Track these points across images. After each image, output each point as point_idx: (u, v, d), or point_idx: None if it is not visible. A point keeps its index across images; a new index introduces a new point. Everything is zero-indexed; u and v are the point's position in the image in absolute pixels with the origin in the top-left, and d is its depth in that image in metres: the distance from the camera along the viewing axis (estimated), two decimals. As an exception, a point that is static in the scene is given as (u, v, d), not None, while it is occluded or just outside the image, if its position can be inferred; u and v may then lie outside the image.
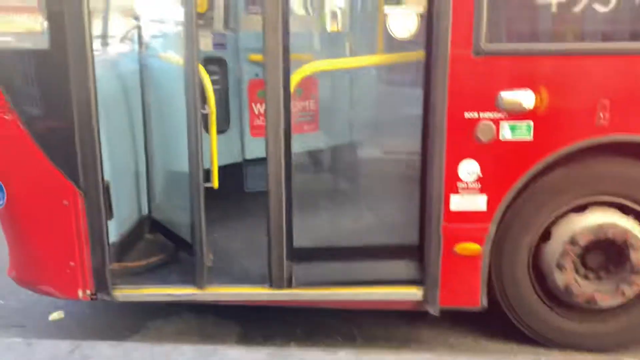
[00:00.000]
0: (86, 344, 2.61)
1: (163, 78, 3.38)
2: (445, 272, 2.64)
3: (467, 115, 2.47)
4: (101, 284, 2.69)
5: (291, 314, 3.14)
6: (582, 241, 2.59)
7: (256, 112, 3.82)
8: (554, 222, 2.66)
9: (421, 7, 2.48)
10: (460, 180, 2.55)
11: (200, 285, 2.73)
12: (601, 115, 2.45)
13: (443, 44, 2.42)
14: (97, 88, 2.53)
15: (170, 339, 2.93)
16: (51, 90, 2.51)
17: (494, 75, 2.44)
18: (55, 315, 3.20)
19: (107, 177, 2.67)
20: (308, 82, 3.57)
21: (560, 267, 2.64)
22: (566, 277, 2.65)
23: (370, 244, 2.79)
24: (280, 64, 2.49)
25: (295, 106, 3.45)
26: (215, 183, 2.84)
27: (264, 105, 2.58)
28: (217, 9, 3.82)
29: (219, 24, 3.85)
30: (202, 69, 2.69)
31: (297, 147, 3.42)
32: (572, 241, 2.61)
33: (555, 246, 2.65)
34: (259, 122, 3.76)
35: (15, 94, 2.49)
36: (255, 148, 3.77)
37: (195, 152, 2.61)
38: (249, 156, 3.93)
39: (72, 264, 2.64)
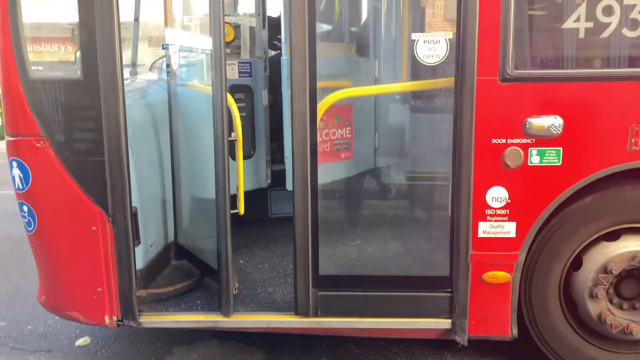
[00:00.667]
0: (112, 372, 2.61)
1: (190, 106, 3.44)
2: (474, 300, 2.59)
3: (494, 141, 2.45)
4: (128, 310, 2.69)
5: (316, 342, 3.11)
6: (615, 269, 2.53)
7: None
8: (585, 250, 2.61)
9: (449, 34, 2.49)
10: (488, 207, 2.51)
11: (225, 313, 2.72)
12: (633, 140, 2.41)
13: (469, 71, 2.41)
14: (126, 117, 2.58)
15: (195, 366, 2.92)
16: (82, 119, 2.57)
17: (521, 102, 2.42)
18: (82, 341, 3.21)
19: (135, 203, 2.70)
20: (344, 109, 3.56)
21: (592, 296, 2.58)
22: (599, 307, 2.58)
23: (398, 274, 2.75)
24: (307, 91, 2.51)
25: (334, 134, 3.47)
26: (241, 209, 2.86)
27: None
28: (243, 38, 3.88)
29: (245, 52, 3.91)
30: (229, 97, 2.72)
31: (333, 175, 3.43)
32: (605, 269, 2.55)
33: (587, 274, 2.58)
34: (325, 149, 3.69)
35: (47, 122, 2.55)
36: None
37: (222, 178, 2.63)
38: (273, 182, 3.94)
39: (99, 290, 2.66)
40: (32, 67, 2.54)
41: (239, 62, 3.78)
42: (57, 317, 3.21)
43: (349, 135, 3.39)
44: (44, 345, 3.20)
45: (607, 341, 2.66)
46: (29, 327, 3.41)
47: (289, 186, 3.20)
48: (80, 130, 2.57)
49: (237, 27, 3.84)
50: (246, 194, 2.96)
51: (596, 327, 2.62)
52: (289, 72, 2.53)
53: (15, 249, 4.47)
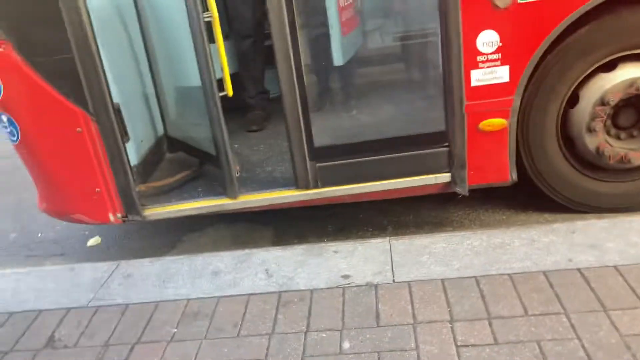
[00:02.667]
0: (126, 263, 2.68)
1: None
2: (472, 151, 2.58)
3: (481, -19, 2.30)
4: (130, 206, 2.70)
5: (321, 212, 3.17)
6: (613, 100, 2.50)
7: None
8: (581, 85, 2.55)
9: None
10: (479, 53, 2.41)
11: (231, 195, 2.73)
12: (630, -41, 2.25)
13: None
14: (89, 10, 2.39)
15: (207, 249, 2.99)
16: (41, 16, 2.38)
17: None
18: (93, 241, 3.28)
19: (116, 99, 2.60)
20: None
21: (590, 130, 2.57)
22: (597, 140, 2.58)
23: (393, 136, 2.71)
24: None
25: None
26: (229, 91, 2.75)
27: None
28: None
29: None
30: None
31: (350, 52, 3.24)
32: (602, 101, 2.52)
33: (584, 109, 2.56)
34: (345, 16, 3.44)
35: (4, 23, 2.38)
36: None
37: (204, 61, 2.51)
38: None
39: (98, 189, 2.65)
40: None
41: None
42: (64, 222, 3.25)
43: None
44: (57, 249, 3.28)
45: (605, 173, 2.69)
46: (39, 234, 3.47)
47: (337, 61, 3.05)
48: (41, 28, 2.40)
49: None
50: (235, 75, 2.84)
51: (594, 160, 2.64)
52: None
53: (13, 162, 4.43)
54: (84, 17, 2.38)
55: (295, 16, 2.41)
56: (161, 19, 3.19)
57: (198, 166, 3.10)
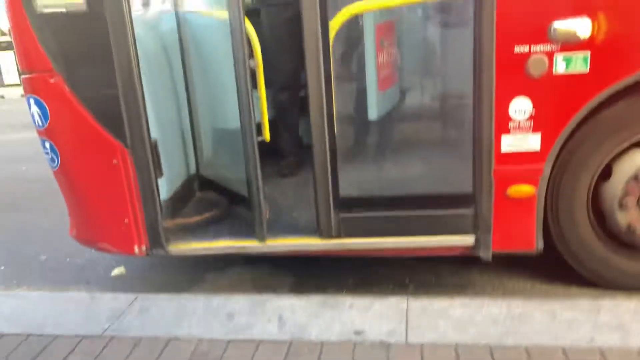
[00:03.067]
0: (144, 297, 2.72)
1: (203, 33, 3.36)
2: (498, 216, 2.55)
3: (517, 49, 2.33)
4: (156, 240, 2.76)
5: (344, 264, 3.16)
6: (647, 177, 2.44)
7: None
8: (615, 159, 2.51)
9: None
10: (511, 119, 2.42)
11: (260, 238, 2.75)
12: (668, 40, 2.25)
13: (489, -26, 2.26)
14: (137, 48, 2.53)
15: (226, 290, 3.01)
16: (92, 52, 2.53)
17: (545, 4, 2.27)
18: (117, 271, 3.34)
19: (154, 135, 2.70)
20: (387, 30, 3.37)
21: (622, 205, 2.51)
22: (628, 217, 2.52)
23: (420, 193, 2.71)
24: (317, 6, 2.40)
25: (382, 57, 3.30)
26: (267, 136, 2.81)
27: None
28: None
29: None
30: (247, 22, 2.62)
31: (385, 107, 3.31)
32: (636, 178, 2.47)
33: (617, 184, 2.51)
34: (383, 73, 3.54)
35: (58, 57, 2.53)
36: None
37: (246, 104, 2.58)
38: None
39: (126, 221, 2.72)
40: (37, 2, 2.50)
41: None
42: (93, 250, 3.33)
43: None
44: (82, 276, 3.35)
45: (637, 252, 2.61)
46: (68, 259, 3.56)
47: (371, 115, 3.10)
48: (91, 64, 2.55)
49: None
50: (274, 121, 2.90)
51: (625, 237, 2.57)
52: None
53: (52, 187, 4.61)
54: (132, 55, 2.51)
55: (331, 69, 2.48)
56: (204, 60, 3.34)
57: (226, 206, 3.16)
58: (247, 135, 2.64)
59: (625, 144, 2.48)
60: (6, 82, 13.39)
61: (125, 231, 2.74)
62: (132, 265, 3.41)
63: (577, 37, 2.27)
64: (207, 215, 3.08)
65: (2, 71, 13.56)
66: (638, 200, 2.52)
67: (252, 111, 2.60)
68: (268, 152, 3.10)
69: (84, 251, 3.52)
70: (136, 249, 2.78)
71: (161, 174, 2.82)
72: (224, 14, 2.60)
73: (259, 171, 2.67)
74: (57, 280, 3.31)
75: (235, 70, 2.57)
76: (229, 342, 2.30)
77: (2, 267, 3.53)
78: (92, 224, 2.85)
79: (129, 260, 3.46)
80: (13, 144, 7.15)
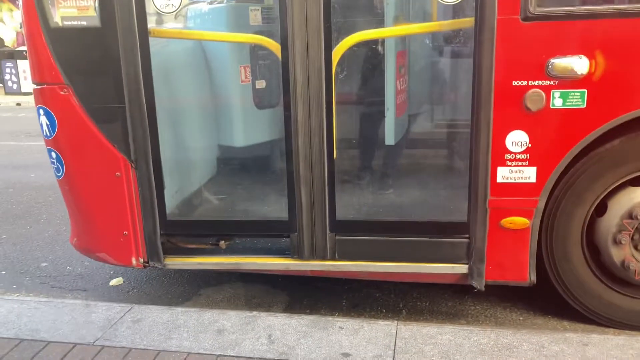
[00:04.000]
0: (138, 307, 2.75)
1: (217, 53, 3.45)
2: (492, 246, 2.57)
3: (515, 83, 2.37)
4: (153, 253, 2.80)
5: (338, 285, 3.18)
6: (641, 215, 2.46)
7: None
8: (610, 195, 2.53)
9: (468, -29, 2.38)
10: (508, 151, 2.45)
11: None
12: (663, 80, 2.28)
13: (490, 9, 2.31)
14: (149, 65, 2.59)
15: (220, 305, 3.04)
16: (102, 67, 2.61)
17: (544, 41, 2.31)
18: (115, 282, 3.39)
19: (160, 150, 2.75)
20: (404, 56, 3.44)
21: (616, 242, 2.52)
22: (623, 253, 2.53)
23: (415, 219, 2.74)
24: (321, 34, 2.46)
25: (402, 84, 3.36)
26: None
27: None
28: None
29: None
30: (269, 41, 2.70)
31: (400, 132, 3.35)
32: (631, 215, 2.49)
33: (611, 220, 2.52)
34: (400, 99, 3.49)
35: (70, 71, 2.61)
36: None
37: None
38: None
39: (125, 233, 2.77)
40: (55, 16, 2.59)
41: (262, 8, 3.73)
42: (92, 259, 3.38)
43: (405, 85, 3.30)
44: (81, 284, 3.39)
45: (631, 288, 2.61)
46: (68, 267, 3.61)
47: (388, 140, 3.14)
48: (100, 78, 2.62)
49: (260, -27, 3.78)
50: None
51: (619, 273, 2.57)
52: (305, 15, 2.48)
53: (58, 196, 4.69)
54: (140, 71, 2.58)
55: (333, 95, 2.54)
56: (216, 80, 3.42)
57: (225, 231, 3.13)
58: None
59: (620, 181, 2.49)
60: (23, 90, 13.62)
61: (124, 242, 2.79)
62: (129, 277, 3.45)
63: (575, 74, 2.31)
64: (203, 245, 3.05)
65: (20, 79, 13.81)
66: (632, 237, 2.53)
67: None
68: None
69: (84, 260, 3.58)
70: (134, 261, 2.82)
71: (163, 188, 2.87)
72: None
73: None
74: (56, 287, 3.35)
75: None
76: (217, 356, 2.32)
77: (4, 272, 3.58)
78: (92, 234, 2.90)
79: (127, 271, 3.51)
80: (26, 151, 7.28)
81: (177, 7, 2.58)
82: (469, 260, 2.61)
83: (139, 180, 2.71)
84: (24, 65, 13.60)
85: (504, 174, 2.48)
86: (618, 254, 2.54)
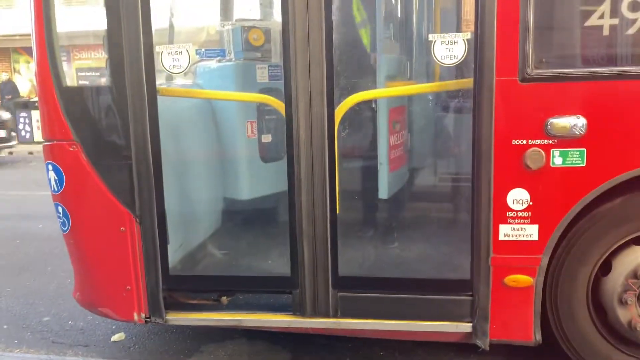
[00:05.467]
0: (137, 366, 2.72)
1: (224, 109, 3.54)
2: (496, 304, 2.54)
3: (515, 142, 2.40)
4: (155, 308, 2.79)
5: (341, 343, 3.13)
6: (646, 275, 2.43)
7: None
8: (614, 254, 2.52)
9: (467, 34, 2.45)
10: (509, 209, 2.46)
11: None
12: (661, 140, 2.31)
13: (488, 71, 2.37)
14: (157, 123, 2.66)
15: (222, 363, 3.00)
16: (111, 124, 2.68)
17: (542, 102, 2.36)
18: (117, 337, 3.36)
19: (165, 204, 2.78)
20: (400, 113, 3.53)
21: (622, 302, 2.49)
22: (629, 313, 2.49)
23: (418, 277, 2.73)
24: (324, 94, 2.53)
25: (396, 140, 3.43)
26: None
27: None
28: (274, 41, 3.94)
29: (275, 56, 3.97)
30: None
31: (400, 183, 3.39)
32: (635, 275, 2.46)
33: (616, 280, 2.50)
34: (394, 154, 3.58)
35: (79, 128, 2.68)
36: None
37: None
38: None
39: (128, 287, 2.77)
40: (65, 75, 2.69)
41: (269, 66, 3.84)
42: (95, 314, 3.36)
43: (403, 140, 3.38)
44: (82, 339, 3.36)
45: (638, 349, 2.56)
46: (70, 322, 3.59)
47: (382, 194, 3.19)
48: (109, 135, 2.69)
49: (267, 31, 3.91)
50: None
51: (626, 334, 2.53)
52: (308, 76, 2.55)
53: (64, 248, 4.71)
54: (147, 128, 2.64)
55: (335, 150, 2.58)
56: (224, 135, 3.49)
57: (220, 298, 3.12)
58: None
59: (624, 240, 2.49)
60: (36, 139, 13.88)
61: (126, 298, 2.79)
62: (132, 333, 3.42)
63: (573, 133, 2.34)
64: (204, 301, 3.04)
65: (34, 129, 14.10)
66: (638, 297, 2.49)
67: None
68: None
69: (87, 314, 3.55)
70: (135, 316, 2.81)
71: (167, 243, 2.89)
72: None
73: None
74: (57, 343, 3.33)
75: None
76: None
77: (5, 326, 3.57)
78: (95, 288, 2.91)
79: (129, 327, 3.47)
80: (35, 201, 7.33)
81: (184, 68, 2.66)
82: (473, 319, 2.58)
83: (143, 236, 2.73)
84: (37, 115, 13.91)
85: (506, 232, 2.49)
86: (624, 315, 2.50)
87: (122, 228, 2.72)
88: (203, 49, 4.06)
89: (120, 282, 2.78)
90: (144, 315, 2.82)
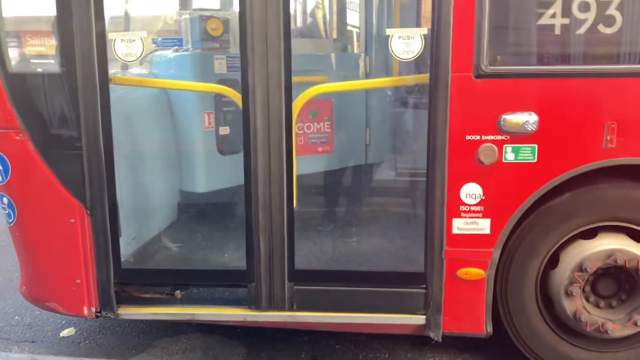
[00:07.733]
0: (86, 362, 2.65)
1: (180, 100, 3.48)
2: (448, 297, 2.58)
3: (468, 137, 2.44)
4: (106, 302, 2.72)
5: (297, 336, 3.13)
6: (591, 268, 2.51)
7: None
8: (562, 248, 2.59)
9: (424, 29, 2.48)
10: (462, 203, 2.50)
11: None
12: (609, 137, 2.39)
13: (444, 67, 2.40)
14: (109, 112, 2.58)
15: (175, 358, 2.95)
16: (61, 113, 2.59)
17: (496, 98, 2.40)
18: (66, 332, 3.26)
19: (117, 196, 2.71)
20: (323, 104, 3.58)
21: (568, 294, 2.56)
22: (574, 305, 2.56)
23: (373, 269, 2.75)
24: (282, 88, 2.51)
25: (310, 128, 3.50)
26: None
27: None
28: (232, 32, 3.89)
29: (234, 47, 3.92)
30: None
31: (310, 168, 3.45)
32: (581, 268, 2.54)
33: (563, 272, 2.57)
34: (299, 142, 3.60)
35: (26, 116, 2.58)
36: None
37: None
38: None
39: (78, 281, 2.69)
40: (12, 61, 2.58)
41: (227, 57, 3.79)
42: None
43: (328, 130, 3.40)
44: (29, 335, 3.25)
45: (584, 339, 2.64)
46: (17, 317, 3.47)
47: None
48: (58, 124, 2.60)
49: (226, 22, 3.85)
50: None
51: (572, 325, 2.61)
52: (266, 69, 2.53)
53: (10, 241, 4.53)
54: (99, 118, 2.56)
55: (293, 144, 2.56)
56: (179, 125, 3.43)
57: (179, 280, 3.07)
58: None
59: (570, 234, 2.56)
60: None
61: (75, 292, 2.71)
62: (82, 328, 3.33)
63: (525, 129, 2.40)
64: (158, 295, 2.98)
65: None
66: (583, 289, 2.58)
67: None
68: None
69: (35, 309, 3.45)
70: (85, 310, 2.73)
71: (119, 235, 2.82)
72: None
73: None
74: (2, 339, 3.21)
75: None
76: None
77: (-52, 322, 3.43)
78: (43, 283, 2.81)
79: (80, 321, 3.38)
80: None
81: (138, 56, 2.59)
82: (427, 311, 2.62)
83: (93, 228, 2.65)
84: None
85: (459, 225, 2.53)
86: (570, 306, 2.57)
87: (72, 220, 2.64)
88: (160, 38, 3.99)
89: (70, 276, 2.69)
90: (94, 309, 2.74)
